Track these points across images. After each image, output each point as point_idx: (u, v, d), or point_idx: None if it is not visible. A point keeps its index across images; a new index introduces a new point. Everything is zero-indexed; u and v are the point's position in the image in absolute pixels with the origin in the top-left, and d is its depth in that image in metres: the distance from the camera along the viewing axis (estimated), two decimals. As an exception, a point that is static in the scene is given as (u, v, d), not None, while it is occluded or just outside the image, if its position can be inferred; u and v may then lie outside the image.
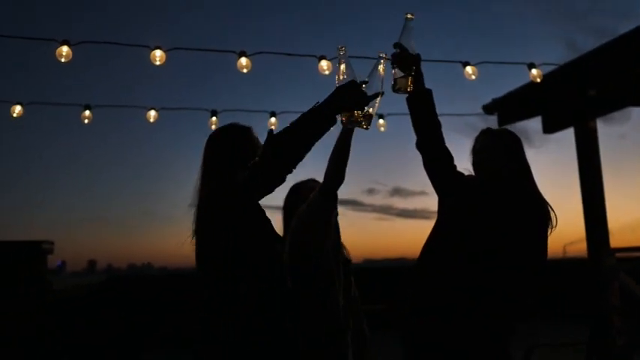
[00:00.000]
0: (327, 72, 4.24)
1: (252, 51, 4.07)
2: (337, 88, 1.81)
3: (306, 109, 1.80)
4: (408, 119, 2.22)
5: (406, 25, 2.10)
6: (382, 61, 1.96)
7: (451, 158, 2.21)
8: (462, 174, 2.25)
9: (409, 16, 2.10)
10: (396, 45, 2.07)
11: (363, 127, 1.93)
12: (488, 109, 6.42)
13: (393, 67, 2.07)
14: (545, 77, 5.41)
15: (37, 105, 5.19)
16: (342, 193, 2.19)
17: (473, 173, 2.31)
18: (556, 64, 5.19)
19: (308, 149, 1.74)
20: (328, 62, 4.26)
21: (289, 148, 1.70)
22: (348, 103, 1.80)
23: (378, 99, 1.90)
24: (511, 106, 6.30)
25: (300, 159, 1.73)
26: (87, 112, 5.31)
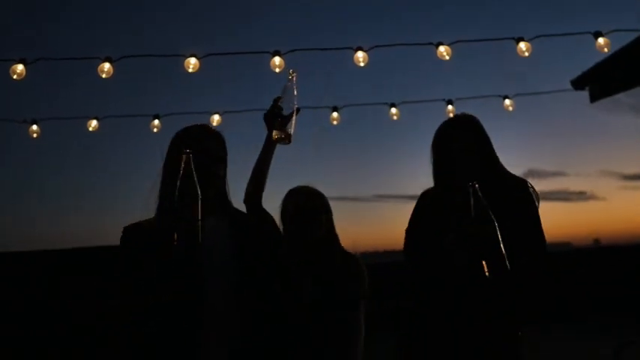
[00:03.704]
0: (362, 63, 4.02)
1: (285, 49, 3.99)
2: None
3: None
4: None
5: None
6: (293, 78, 1.93)
7: None
8: None
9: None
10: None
11: (285, 143, 1.93)
12: (577, 83, 5.73)
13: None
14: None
15: (111, 118, 5.54)
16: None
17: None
18: (637, 30, 4.46)
19: None
20: (364, 54, 4.04)
21: None
22: None
23: (294, 116, 1.90)
24: (605, 78, 5.55)
25: None
26: (156, 122, 5.60)
